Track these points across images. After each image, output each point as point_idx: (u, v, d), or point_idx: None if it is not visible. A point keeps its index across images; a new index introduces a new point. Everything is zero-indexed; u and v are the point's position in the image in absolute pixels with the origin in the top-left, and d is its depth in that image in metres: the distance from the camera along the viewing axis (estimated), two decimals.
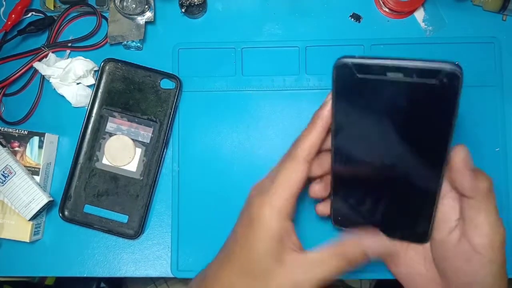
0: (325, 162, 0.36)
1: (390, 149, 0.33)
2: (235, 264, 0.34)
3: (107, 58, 0.47)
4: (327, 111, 0.33)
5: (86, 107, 0.47)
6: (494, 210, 0.32)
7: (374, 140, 0.33)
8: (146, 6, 0.46)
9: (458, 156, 0.31)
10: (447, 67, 0.28)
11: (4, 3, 0.49)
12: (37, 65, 0.47)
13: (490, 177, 0.32)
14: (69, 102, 0.47)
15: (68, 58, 0.48)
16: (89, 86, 0.48)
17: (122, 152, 0.46)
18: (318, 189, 0.37)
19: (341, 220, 0.38)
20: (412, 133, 0.31)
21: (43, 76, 0.48)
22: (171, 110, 0.46)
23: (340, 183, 0.36)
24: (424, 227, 0.35)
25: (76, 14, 0.49)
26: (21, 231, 0.45)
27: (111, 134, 0.46)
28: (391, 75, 0.29)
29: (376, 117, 0.31)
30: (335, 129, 0.33)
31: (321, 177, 0.37)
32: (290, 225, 0.34)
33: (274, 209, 0.33)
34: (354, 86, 0.31)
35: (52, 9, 0.48)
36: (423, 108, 0.30)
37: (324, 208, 0.39)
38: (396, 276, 0.39)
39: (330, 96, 0.33)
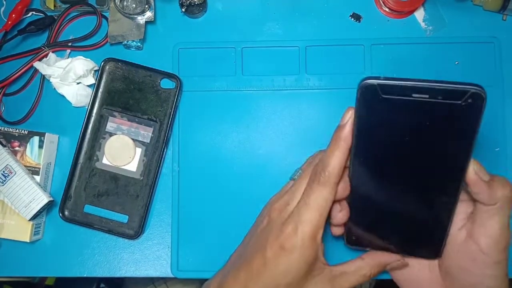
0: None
1: (410, 169, 0.33)
2: (262, 283, 0.35)
3: (107, 58, 0.47)
4: (348, 132, 0.33)
5: (86, 107, 0.47)
6: (507, 216, 0.32)
7: (394, 161, 0.33)
8: (146, 6, 0.46)
9: (471, 170, 0.32)
10: (472, 89, 0.29)
11: (4, 2, 0.49)
12: (37, 64, 0.47)
13: (508, 183, 0.32)
14: (69, 102, 0.47)
15: (68, 57, 0.48)
16: (89, 86, 0.48)
17: (122, 152, 0.46)
18: (341, 216, 0.37)
19: (356, 240, 0.38)
20: (432, 152, 0.32)
21: (43, 75, 0.48)
22: (171, 110, 0.46)
23: (357, 203, 0.36)
24: (438, 244, 0.36)
25: (76, 13, 0.49)
26: (21, 231, 0.45)
27: (111, 134, 0.46)
28: (416, 96, 0.30)
29: (399, 136, 0.32)
30: (355, 149, 0.33)
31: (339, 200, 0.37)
32: (322, 247, 0.35)
33: (309, 236, 0.34)
34: (378, 107, 0.31)
35: (52, 8, 0.48)
36: (445, 128, 0.31)
37: (339, 229, 0.39)
38: (397, 279, 0.40)
39: (348, 116, 0.33)
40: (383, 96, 0.30)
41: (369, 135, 0.32)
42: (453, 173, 0.32)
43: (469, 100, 0.29)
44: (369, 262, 0.38)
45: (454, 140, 0.31)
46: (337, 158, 0.34)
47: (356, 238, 0.38)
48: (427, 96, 0.29)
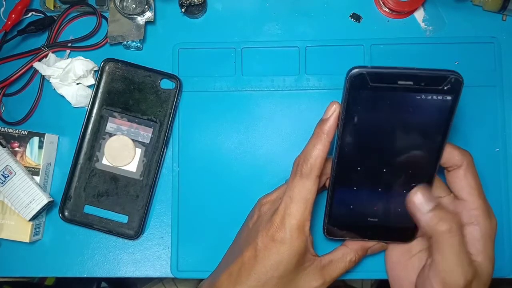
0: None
1: (392, 156, 0.35)
2: (255, 276, 0.35)
3: (107, 58, 0.47)
4: (331, 125, 0.34)
5: (86, 107, 0.47)
6: (453, 251, 0.33)
7: (379, 150, 0.35)
8: (146, 6, 0.46)
9: (413, 198, 0.34)
10: (452, 75, 0.32)
11: (4, 3, 0.49)
12: (37, 65, 0.47)
13: (454, 217, 0.33)
14: (69, 102, 0.47)
15: (68, 58, 0.48)
16: (89, 86, 0.48)
17: (122, 152, 0.46)
18: None
19: (335, 231, 0.39)
20: (415, 138, 0.34)
21: (43, 76, 0.48)
22: (171, 110, 0.46)
23: (339, 195, 0.37)
24: (411, 229, 0.38)
25: (76, 14, 0.49)
26: (21, 232, 0.45)
27: (111, 134, 0.46)
28: (402, 83, 0.32)
29: (385, 124, 0.34)
30: (341, 140, 0.35)
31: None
32: (310, 238, 0.37)
33: (296, 228, 0.35)
34: (367, 95, 0.33)
35: (52, 9, 0.48)
36: (427, 112, 0.33)
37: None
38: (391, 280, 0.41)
39: (332, 110, 0.34)
40: (372, 84, 0.32)
41: (357, 124, 0.34)
42: (432, 156, 0.35)
43: (449, 85, 0.32)
44: (352, 247, 0.39)
45: (434, 124, 0.33)
46: (319, 150, 0.34)
47: (335, 229, 0.39)
48: (411, 82, 0.32)
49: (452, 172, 0.35)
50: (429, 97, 0.32)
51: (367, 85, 0.32)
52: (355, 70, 0.32)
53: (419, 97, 0.32)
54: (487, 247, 0.34)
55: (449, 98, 0.32)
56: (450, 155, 0.35)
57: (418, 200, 0.34)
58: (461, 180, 0.35)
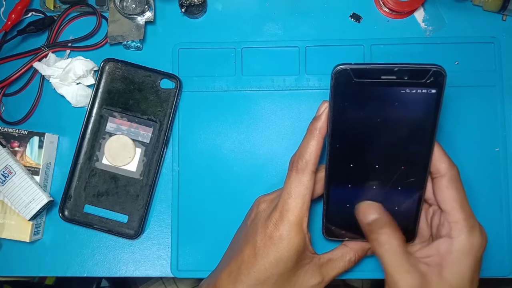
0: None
1: (383, 152, 0.35)
2: (254, 274, 0.36)
3: (107, 58, 0.47)
4: (324, 122, 0.35)
5: (86, 107, 0.47)
6: (385, 260, 0.34)
7: (367, 146, 0.35)
8: (146, 6, 0.46)
9: (358, 207, 0.36)
10: (433, 67, 0.32)
11: (4, 3, 0.49)
12: (37, 65, 0.47)
13: (389, 229, 0.34)
14: (69, 102, 0.47)
15: (68, 58, 0.48)
16: (89, 86, 0.48)
17: (122, 152, 0.46)
18: None
19: (334, 231, 0.39)
20: (402, 134, 0.34)
21: (43, 76, 0.48)
22: (171, 110, 0.46)
23: (334, 194, 0.37)
24: (410, 229, 0.38)
25: (76, 14, 0.49)
26: (21, 231, 0.45)
27: (111, 134, 0.46)
28: (385, 78, 0.32)
29: (371, 119, 0.34)
30: (331, 137, 0.35)
31: None
32: (308, 236, 0.37)
33: (294, 224, 0.35)
34: (352, 90, 0.33)
35: (52, 9, 0.48)
36: (412, 107, 0.33)
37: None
38: None
39: (323, 108, 0.35)
40: (355, 79, 0.33)
41: (345, 118, 0.34)
42: (422, 150, 0.35)
43: (431, 78, 0.32)
44: (353, 247, 0.39)
45: (421, 119, 0.34)
46: (313, 146, 0.35)
47: (334, 229, 0.39)
48: (394, 77, 0.32)
49: (435, 180, 0.35)
50: (414, 91, 0.33)
51: (351, 81, 0.33)
52: (338, 67, 0.33)
53: (403, 91, 0.33)
54: (460, 263, 0.33)
55: (433, 91, 0.32)
56: (439, 159, 0.34)
57: (362, 209, 0.36)
58: (444, 191, 0.34)
